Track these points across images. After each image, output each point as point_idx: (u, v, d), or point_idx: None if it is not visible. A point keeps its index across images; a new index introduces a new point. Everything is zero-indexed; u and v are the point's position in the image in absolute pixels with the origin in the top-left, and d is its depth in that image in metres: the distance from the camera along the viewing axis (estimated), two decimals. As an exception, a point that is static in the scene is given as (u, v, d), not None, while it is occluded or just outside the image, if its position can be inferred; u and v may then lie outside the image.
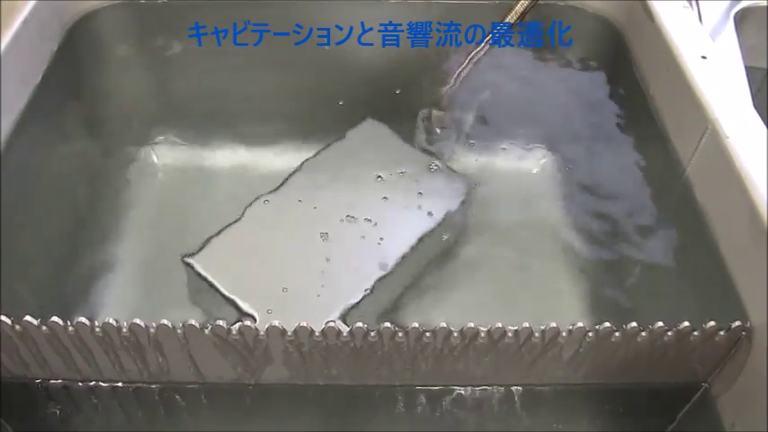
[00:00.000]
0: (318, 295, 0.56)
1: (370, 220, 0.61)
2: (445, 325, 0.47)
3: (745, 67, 0.77)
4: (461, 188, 0.64)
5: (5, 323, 0.47)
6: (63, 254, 0.61)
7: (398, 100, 0.74)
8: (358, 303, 0.56)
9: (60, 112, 0.73)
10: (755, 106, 0.60)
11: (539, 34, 0.81)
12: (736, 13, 0.84)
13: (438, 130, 0.71)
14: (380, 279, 0.57)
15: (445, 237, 0.62)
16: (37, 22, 0.71)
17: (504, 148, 0.71)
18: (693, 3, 0.76)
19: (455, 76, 0.76)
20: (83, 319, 0.47)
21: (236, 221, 0.60)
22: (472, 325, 0.47)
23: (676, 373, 0.53)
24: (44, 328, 0.47)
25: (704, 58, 0.65)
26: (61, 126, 0.72)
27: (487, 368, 0.51)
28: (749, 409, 0.50)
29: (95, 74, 0.79)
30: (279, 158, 0.69)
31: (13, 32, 0.67)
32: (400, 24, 0.83)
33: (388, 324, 0.47)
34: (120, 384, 0.53)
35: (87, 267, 0.60)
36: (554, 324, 0.48)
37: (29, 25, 0.69)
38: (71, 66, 0.77)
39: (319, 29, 0.81)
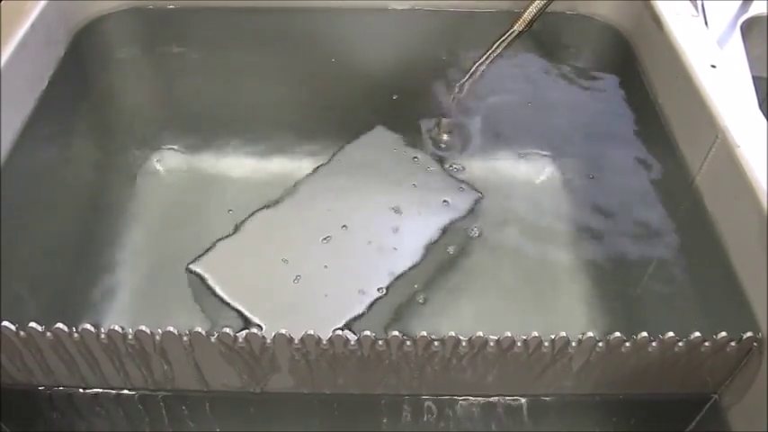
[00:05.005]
0: (326, 303, 0.55)
1: (378, 227, 0.61)
2: (454, 334, 0.47)
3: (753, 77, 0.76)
4: (469, 197, 0.64)
5: (9, 329, 0.47)
6: (68, 260, 0.61)
7: (406, 107, 0.74)
8: (365, 312, 0.55)
9: (66, 117, 0.72)
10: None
11: (547, 42, 0.81)
12: (743, 23, 0.84)
13: (445, 138, 0.71)
14: (388, 287, 0.57)
15: (452, 246, 0.61)
16: (44, 26, 0.71)
17: (511, 157, 0.70)
18: (700, 11, 0.76)
19: (462, 83, 0.76)
20: (88, 326, 0.47)
21: (241, 228, 0.60)
22: (481, 334, 0.47)
23: (686, 384, 0.53)
24: (49, 334, 0.47)
25: (713, 67, 0.64)
26: (67, 131, 0.72)
27: (496, 378, 0.51)
28: (759, 421, 0.49)
29: (102, 79, 0.79)
30: (284, 165, 0.69)
31: (19, 37, 0.67)
32: (407, 31, 0.84)
33: (396, 333, 0.47)
34: (124, 392, 0.53)
35: (92, 273, 0.60)
36: (563, 334, 0.47)
37: (36, 30, 0.69)
38: (78, 71, 0.77)
39: (326, 36, 0.81)
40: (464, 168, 0.68)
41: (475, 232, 0.63)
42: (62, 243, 0.62)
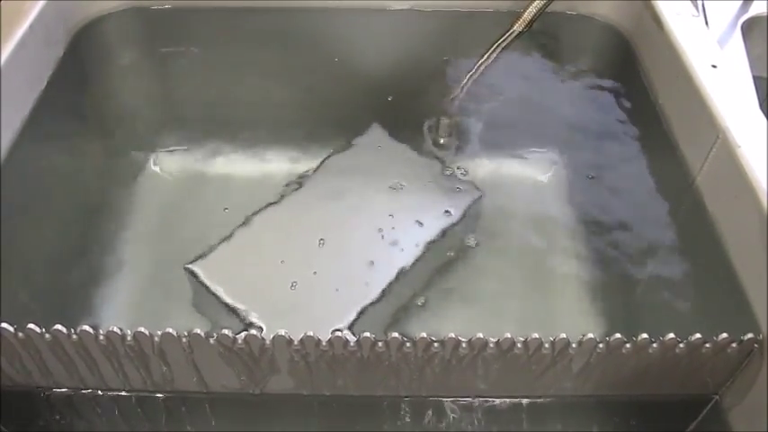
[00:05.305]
0: (325, 305, 0.55)
1: (377, 228, 0.60)
2: (453, 335, 0.47)
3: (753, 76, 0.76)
4: (469, 196, 0.64)
5: (8, 331, 0.47)
6: (66, 260, 0.61)
7: (406, 108, 0.74)
8: (365, 312, 0.55)
9: (65, 117, 0.72)
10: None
11: (547, 42, 0.81)
12: (744, 23, 0.83)
13: (445, 138, 0.71)
14: (388, 288, 0.57)
15: (452, 246, 0.61)
16: (43, 27, 0.71)
17: (511, 157, 0.70)
18: (700, 11, 0.76)
19: (463, 83, 0.76)
20: (86, 328, 0.46)
21: (240, 228, 0.60)
22: (481, 335, 0.47)
23: (687, 386, 0.52)
24: (47, 336, 0.47)
25: (714, 67, 0.64)
26: (66, 131, 0.71)
27: (496, 379, 0.51)
28: (760, 422, 0.49)
29: (101, 79, 0.79)
30: (283, 165, 0.69)
31: (18, 37, 0.66)
32: (407, 32, 0.83)
33: (395, 334, 0.47)
34: (123, 393, 0.52)
35: (90, 274, 0.60)
36: (563, 335, 0.47)
37: (34, 30, 0.69)
38: (77, 71, 0.77)
39: (326, 36, 0.81)
40: (464, 169, 0.67)
41: (474, 233, 0.63)
42: (61, 243, 0.62)
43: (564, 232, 0.63)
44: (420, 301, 0.57)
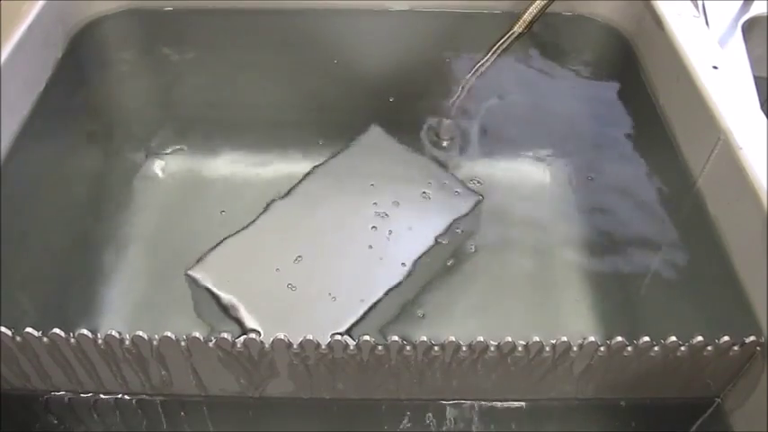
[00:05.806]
0: (324, 309, 0.55)
1: (376, 230, 0.60)
2: (454, 339, 0.47)
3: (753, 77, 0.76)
4: (469, 199, 0.64)
5: (6, 335, 0.46)
6: (64, 263, 0.61)
7: (406, 109, 0.74)
8: (365, 316, 0.55)
9: (64, 119, 0.72)
10: (764, 117, 0.60)
11: (547, 44, 0.81)
12: (744, 23, 0.83)
13: (445, 141, 0.70)
14: (388, 291, 0.56)
15: (452, 249, 0.61)
16: (41, 28, 0.70)
17: (511, 159, 0.70)
18: (701, 12, 0.75)
19: (462, 85, 0.75)
20: (85, 331, 0.46)
21: (240, 232, 0.60)
22: (482, 339, 0.47)
23: (689, 388, 0.52)
24: (45, 339, 0.47)
25: (715, 68, 0.64)
26: (64, 134, 0.71)
27: (496, 382, 0.50)
28: (762, 425, 0.49)
29: (99, 81, 0.78)
30: (283, 167, 0.69)
31: (16, 39, 0.66)
32: (407, 33, 0.83)
33: (395, 337, 0.46)
34: (122, 397, 0.52)
35: (89, 277, 0.59)
36: (565, 338, 0.47)
37: (33, 32, 0.69)
38: (75, 73, 0.76)
39: (325, 38, 0.81)
40: (463, 170, 0.67)
41: (474, 236, 0.62)
42: (59, 247, 0.62)
43: (564, 235, 0.63)
44: (420, 313, 0.57)
